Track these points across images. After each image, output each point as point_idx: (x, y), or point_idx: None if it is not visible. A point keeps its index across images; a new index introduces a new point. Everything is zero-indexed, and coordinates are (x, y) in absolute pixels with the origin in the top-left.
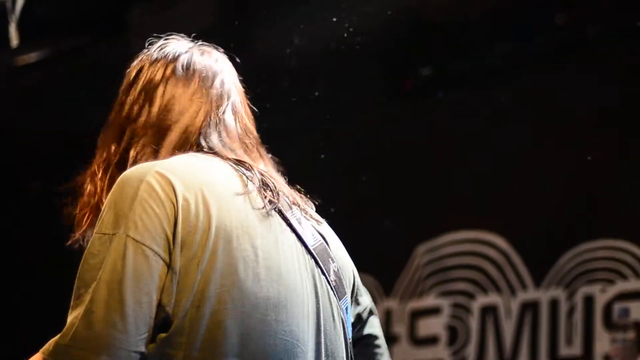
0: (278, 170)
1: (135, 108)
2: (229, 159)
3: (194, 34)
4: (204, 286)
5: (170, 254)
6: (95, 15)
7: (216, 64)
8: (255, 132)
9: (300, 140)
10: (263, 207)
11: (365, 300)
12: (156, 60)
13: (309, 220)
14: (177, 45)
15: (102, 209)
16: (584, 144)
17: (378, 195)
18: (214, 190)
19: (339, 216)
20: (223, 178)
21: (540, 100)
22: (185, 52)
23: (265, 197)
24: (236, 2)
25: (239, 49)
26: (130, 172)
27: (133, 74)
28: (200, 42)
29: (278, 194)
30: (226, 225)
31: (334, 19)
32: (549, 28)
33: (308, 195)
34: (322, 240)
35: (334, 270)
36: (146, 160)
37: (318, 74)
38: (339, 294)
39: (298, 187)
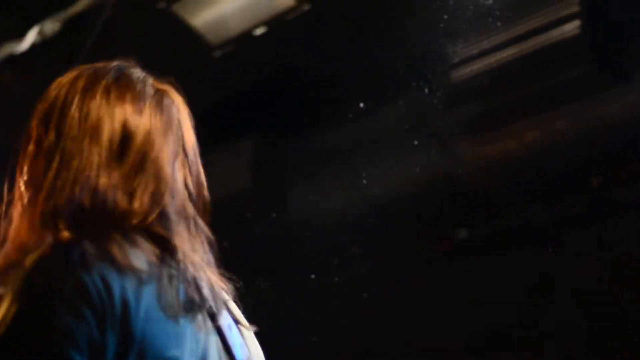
0: (212, 249)
1: (74, 151)
2: (170, 251)
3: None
4: None
5: None
6: None
7: (178, 110)
8: (205, 201)
9: (333, 300)
10: (199, 328)
11: None
12: (106, 89)
13: (239, 326)
14: (135, 75)
15: (11, 302)
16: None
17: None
18: (151, 301)
19: None
20: (161, 288)
21: (578, 262)
22: (144, 85)
23: (203, 310)
24: (270, 162)
25: (273, 209)
26: (51, 262)
27: (71, 98)
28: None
29: (216, 305)
30: (159, 345)
31: (365, 182)
32: (584, 190)
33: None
34: (249, 353)
35: None
36: (76, 230)
37: (351, 236)
38: None
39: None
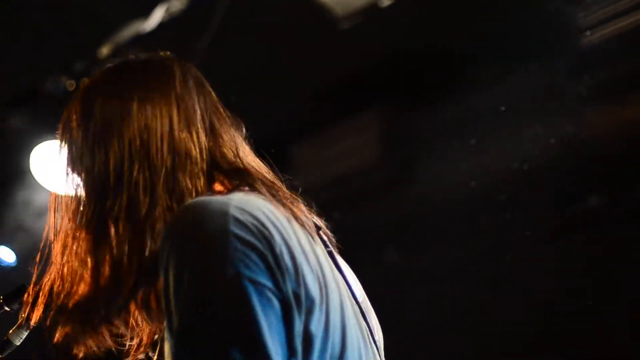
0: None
1: (180, 136)
2: (278, 199)
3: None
4: (328, 328)
5: (282, 291)
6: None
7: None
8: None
9: (467, 275)
10: (328, 253)
11: None
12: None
13: (348, 268)
14: (165, 62)
15: (170, 248)
16: None
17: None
18: (289, 232)
19: None
20: (290, 224)
21: None
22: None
23: (326, 242)
24: (397, 136)
25: (400, 182)
26: (200, 205)
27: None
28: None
29: (329, 238)
30: (310, 265)
31: (493, 151)
32: None
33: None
34: (363, 294)
35: (376, 327)
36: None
37: (484, 205)
38: (380, 352)
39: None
